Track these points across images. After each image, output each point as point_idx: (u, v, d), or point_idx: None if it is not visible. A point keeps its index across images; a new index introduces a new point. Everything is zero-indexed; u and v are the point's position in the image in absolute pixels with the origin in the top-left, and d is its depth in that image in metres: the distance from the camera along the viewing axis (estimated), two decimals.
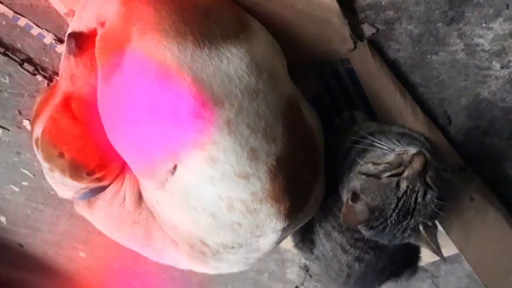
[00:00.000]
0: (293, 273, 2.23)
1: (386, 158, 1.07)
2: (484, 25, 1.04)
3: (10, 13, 1.50)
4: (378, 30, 1.13)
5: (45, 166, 1.19)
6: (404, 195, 1.03)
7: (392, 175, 1.04)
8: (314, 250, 1.39)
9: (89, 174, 1.15)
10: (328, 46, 1.15)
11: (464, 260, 1.34)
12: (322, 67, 1.24)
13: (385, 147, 1.08)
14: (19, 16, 1.50)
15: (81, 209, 1.30)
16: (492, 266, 1.32)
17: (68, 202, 1.28)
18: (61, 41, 1.52)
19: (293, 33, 1.13)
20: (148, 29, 0.94)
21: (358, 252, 1.27)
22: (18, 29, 1.56)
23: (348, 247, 1.27)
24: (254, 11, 1.10)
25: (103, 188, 1.23)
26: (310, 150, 1.12)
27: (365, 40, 1.14)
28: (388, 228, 1.07)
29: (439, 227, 1.26)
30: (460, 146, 1.29)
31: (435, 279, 1.80)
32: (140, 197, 1.22)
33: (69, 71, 1.15)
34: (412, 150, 1.04)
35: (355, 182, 1.09)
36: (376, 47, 1.17)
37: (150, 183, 1.08)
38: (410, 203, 1.04)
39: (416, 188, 1.03)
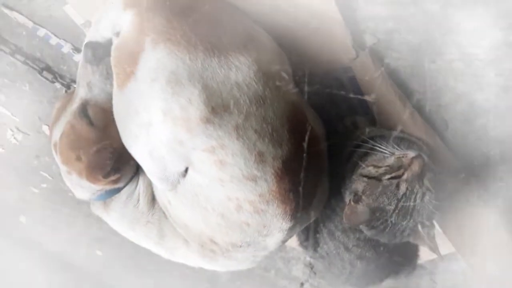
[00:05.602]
0: (298, 271, 2.22)
1: (387, 161, 1.06)
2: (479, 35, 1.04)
3: (30, 24, 1.50)
4: (378, 40, 1.13)
5: (63, 169, 1.19)
6: (404, 197, 1.03)
7: (392, 178, 1.03)
8: (318, 248, 1.38)
9: (105, 176, 1.15)
10: (331, 56, 1.15)
11: (460, 258, 1.34)
12: (325, 75, 1.23)
13: (385, 151, 1.08)
14: (39, 27, 1.51)
15: (97, 209, 1.30)
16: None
17: (84, 203, 1.28)
18: (78, 50, 1.53)
19: (298, 43, 1.13)
20: (160, 39, 0.94)
21: (360, 250, 1.27)
22: (37, 39, 1.57)
23: (350, 246, 1.27)
24: (261, 22, 1.10)
25: (118, 190, 1.22)
26: (314, 154, 1.11)
27: (367, 50, 1.14)
28: (389, 228, 1.06)
29: (437, 227, 1.25)
30: (456, 149, 1.28)
31: (432, 276, 1.79)
32: (153, 198, 1.22)
33: (86, 79, 1.15)
34: (411, 153, 1.04)
35: (357, 184, 1.08)
36: (377, 56, 1.16)
37: (163, 185, 1.08)
38: (409, 204, 1.03)
39: (415, 189, 1.02)
